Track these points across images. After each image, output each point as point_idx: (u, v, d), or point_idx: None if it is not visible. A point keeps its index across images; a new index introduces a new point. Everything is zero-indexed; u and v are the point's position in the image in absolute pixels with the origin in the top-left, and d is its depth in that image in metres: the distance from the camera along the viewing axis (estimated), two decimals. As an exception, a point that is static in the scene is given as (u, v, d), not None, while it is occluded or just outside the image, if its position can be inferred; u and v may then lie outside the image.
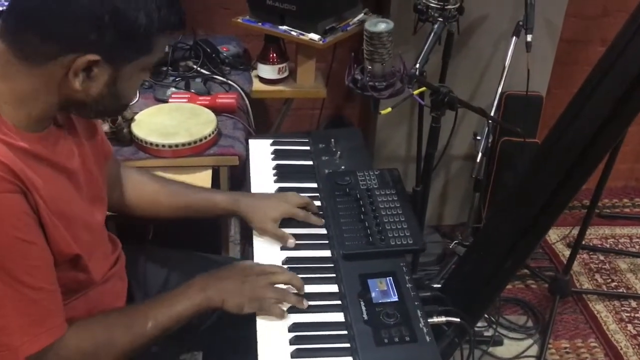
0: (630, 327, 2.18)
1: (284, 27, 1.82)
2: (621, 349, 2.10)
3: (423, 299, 1.16)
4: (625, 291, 2.34)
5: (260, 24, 1.86)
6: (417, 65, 1.59)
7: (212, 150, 1.58)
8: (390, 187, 1.41)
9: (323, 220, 1.34)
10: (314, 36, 1.79)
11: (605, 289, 2.34)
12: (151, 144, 1.53)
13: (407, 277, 1.18)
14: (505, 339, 2.10)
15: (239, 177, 1.71)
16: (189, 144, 1.54)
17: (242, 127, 1.71)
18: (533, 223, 1.11)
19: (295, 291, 1.14)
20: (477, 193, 2.30)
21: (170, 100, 1.73)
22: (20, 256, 0.87)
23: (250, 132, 1.73)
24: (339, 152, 1.55)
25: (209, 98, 1.74)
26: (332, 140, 1.58)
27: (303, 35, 1.80)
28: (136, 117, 1.59)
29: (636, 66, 0.99)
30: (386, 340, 1.06)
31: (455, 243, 2.22)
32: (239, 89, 1.86)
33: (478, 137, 2.13)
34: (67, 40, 0.86)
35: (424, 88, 1.45)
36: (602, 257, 2.50)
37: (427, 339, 1.06)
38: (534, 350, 2.07)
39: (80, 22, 0.85)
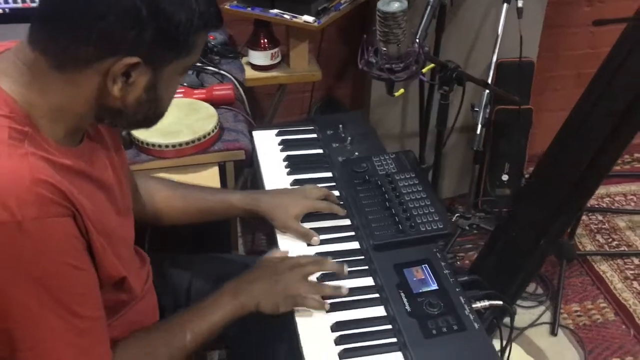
0: (635, 284, 2.21)
1: (275, 11, 1.75)
2: (630, 306, 2.13)
3: (461, 284, 1.13)
4: (626, 249, 2.36)
5: (249, 8, 1.78)
6: (417, 41, 1.54)
7: (217, 146, 1.52)
8: (409, 170, 1.37)
9: (345, 210, 1.30)
10: (308, 18, 1.72)
11: (608, 249, 2.36)
12: (153, 145, 1.46)
13: (442, 263, 1.16)
14: (518, 308, 2.11)
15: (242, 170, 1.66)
16: (193, 141, 1.47)
17: (243, 118, 1.64)
18: (566, 201, 1.09)
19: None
20: (477, 165, 2.28)
21: (165, 96, 1.64)
22: (70, 284, 0.82)
23: (252, 123, 1.67)
24: (349, 138, 1.50)
25: (204, 91, 1.66)
26: (340, 125, 1.53)
27: (296, 17, 1.73)
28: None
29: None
30: (434, 332, 1.03)
31: (457, 216, 2.21)
32: (232, 78, 1.79)
33: (476, 109, 2.10)
34: (104, 42, 0.79)
35: (431, 65, 1.40)
36: (600, 217, 2.52)
37: (476, 326, 1.04)
38: (547, 317, 2.08)
39: (117, 20, 0.78)
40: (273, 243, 1.28)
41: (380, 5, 1.17)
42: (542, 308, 2.11)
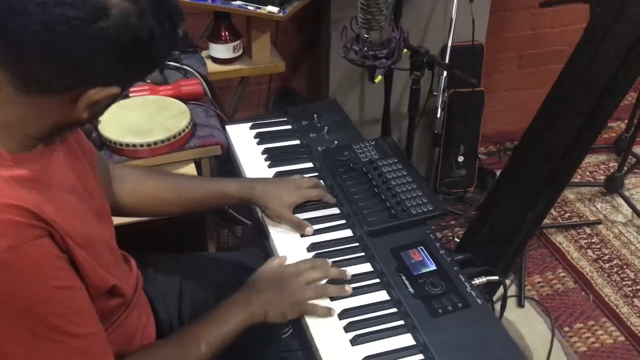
0: (590, 252, 2.33)
1: (238, 2, 1.72)
2: (587, 274, 2.24)
3: (457, 262, 1.16)
4: (578, 220, 2.48)
5: (210, 1, 1.74)
6: (400, 28, 1.55)
7: (192, 142, 1.48)
8: (391, 155, 1.38)
9: (334, 199, 1.30)
10: (272, 9, 1.70)
11: (561, 221, 2.48)
12: (127, 145, 1.41)
13: (437, 244, 1.18)
14: (484, 283, 2.18)
15: (220, 166, 1.63)
16: (168, 139, 1.43)
17: (214, 114, 1.61)
18: (554, 172, 1.13)
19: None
20: (437, 148, 2.33)
21: (130, 95, 1.59)
22: (61, 307, 0.77)
23: (222, 117, 1.64)
24: (325, 127, 1.50)
25: (171, 87, 1.62)
26: (315, 115, 1.53)
27: (260, 8, 1.71)
28: (101, 118, 1.45)
29: None
30: (440, 311, 1.05)
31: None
32: (195, 73, 1.75)
33: (435, 93, 2.14)
34: (86, 74, 0.75)
35: (405, 50, 1.42)
36: (551, 192, 2.63)
37: (479, 302, 1.07)
38: (512, 290, 2.16)
39: (112, 57, 0.74)
40: (264, 237, 1.27)
41: (362, -8, 1.18)
42: (507, 282, 2.19)
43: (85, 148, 1.03)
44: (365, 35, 1.24)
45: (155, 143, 1.42)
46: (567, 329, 2.06)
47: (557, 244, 2.36)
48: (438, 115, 2.11)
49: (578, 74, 1.07)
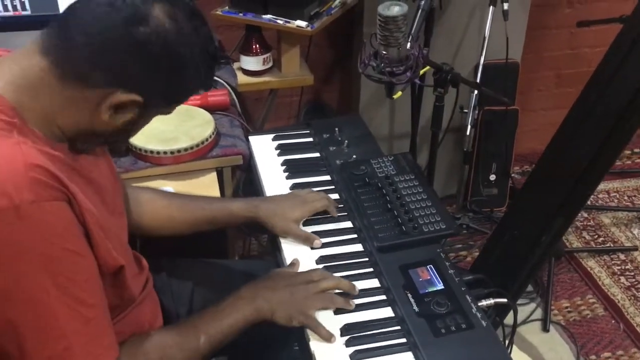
0: (622, 279, 2.26)
1: (268, 16, 1.75)
2: (618, 301, 2.17)
3: (466, 283, 1.15)
4: (612, 245, 2.41)
5: (241, 14, 1.78)
6: (418, 45, 1.55)
7: (215, 151, 1.52)
8: (408, 172, 1.38)
9: (338, 213, 1.31)
10: (301, 23, 1.73)
11: (594, 245, 2.41)
12: (151, 151, 1.45)
13: (447, 263, 1.17)
14: (509, 305, 2.13)
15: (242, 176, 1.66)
16: (191, 148, 1.47)
17: (239, 124, 1.64)
18: (569, 196, 1.11)
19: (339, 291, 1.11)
20: (466, 165, 2.31)
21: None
22: (72, 270, 0.81)
23: (247, 128, 1.67)
24: (346, 141, 1.51)
25: (198, 97, 1.66)
26: (336, 129, 1.55)
27: (289, 22, 1.74)
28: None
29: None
30: (443, 331, 1.04)
31: (447, 217, 2.23)
32: (225, 84, 1.79)
33: (465, 110, 2.13)
34: (119, 74, 0.83)
35: (427, 68, 1.42)
36: (585, 214, 2.57)
37: (483, 323, 1.05)
38: (538, 314, 2.12)
39: (139, 60, 0.83)
40: (276, 249, 1.28)
41: (381, 10, 1.19)
42: (533, 305, 2.14)
43: (111, 161, 1.10)
44: (384, 52, 1.25)
45: (179, 151, 1.46)
46: (593, 357, 1.99)
47: (588, 269, 2.30)
48: (468, 133, 2.11)
49: (599, 92, 1.05)
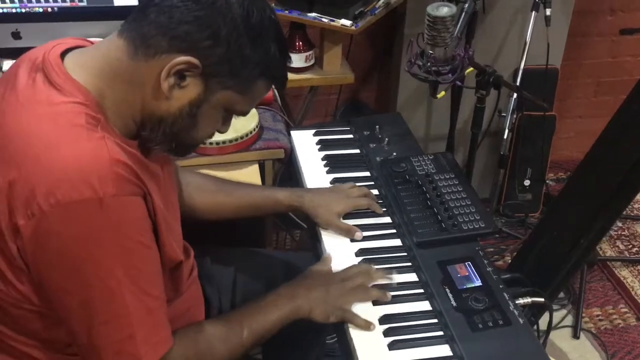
0: (656, 290, 2.24)
1: (313, 14, 1.79)
2: (651, 312, 2.16)
3: (504, 281, 1.16)
4: (647, 256, 2.39)
5: (287, 11, 1.82)
6: (465, 46, 1.57)
7: (257, 144, 1.56)
8: (448, 170, 1.40)
9: (383, 209, 1.33)
10: (346, 22, 1.76)
11: (628, 255, 2.39)
12: (197, 142, 1.49)
13: (485, 261, 1.19)
14: (540, 311, 2.13)
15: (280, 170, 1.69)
16: (235, 140, 1.51)
17: (281, 119, 1.68)
18: (610, 200, 1.12)
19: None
20: (501, 169, 2.31)
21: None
22: (142, 262, 0.86)
23: (289, 123, 1.71)
24: (386, 139, 1.54)
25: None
26: (377, 127, 1.57)
27: (334, 21, 1.77)
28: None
29: None
30: (480, 326, 1.06)
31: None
32: (268, 79, 1.83)
33: (503, 114, 2.14)
34: (179, 39, 0.85)
35: (470, 69, 1.44)
36: (620, 224, 2.55)
37: (521, 321, 1.07)
38: (568, 320, 2.11)
39: (199, 28, 0.84)
40: (316, 240, 1.32)
41: (430, 10, 1.21)
42: (564, 312, 2.14)
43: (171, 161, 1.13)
44: (430, 52, 1.28)
45: (224, 142, 1.50)
46: (623, 366, 1.99)
47: (622, 278, 2.28)
48: (505, 136, 2.12)
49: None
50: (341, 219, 1.30)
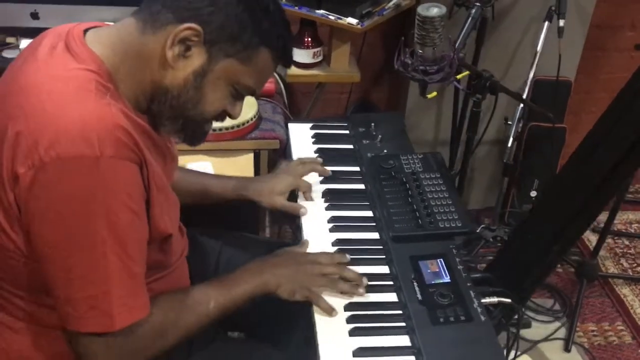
0: (656, 311, 2.21)
1: (321, 11, 1.83)
2: (648, 332, 2.13)
3: (473, 280, 1.18)
4: (650, 276, 2.36)
5: (296, 7, 1.86)
6: (454, 48, 1.59)
7: (254, 134, 1.60)
8: (435, 170, 1.42)
9: (330, 172, 1.40)
10: (352, 20, 1.79)
11: (631, 274, 2.36)
12: (195, 127, 1.54)
13: (457, 259, 1.21)
14: (533, 321, 2.13)
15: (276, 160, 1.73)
16: (232, 127, 1.56)
17: (281, 111, 1.72)
18: (583, 208, 1.13)
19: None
20: (506, 178, 2.31)
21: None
22: (130, 227, 0.89)
23: (288, 116, 1.75)
24: (379, 136, 1.56)
25: (247, 82, 1.75)
26: (372, 124, 1.60)
27: (341, 19, 1.81)
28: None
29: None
30: (442, 320, 1.08)
31: (482, 227, 2.24)
32: (274, 73, 1.87)
33: (509, 122, 2.14)
34: (183, 9, 0.91)
35: (466, 72, 1.46)
36: (627, 242, 2.52)
37: (482, 318, 1.08)
38: (561, 333, 2.10)
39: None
40: (297, 230, 1.35)
41: (420, 10, 1.24)
42: (557, 324, 2.13)
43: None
44: (419, 51, 1.30)
45: (220, 129, 1.55)
46: (613, 383, 1.97)
47: (622, 296, 2.26)
48: (509, 145, 2.12)
49: (625, 107, 1.07)
50: (285, 197, 1.34)
